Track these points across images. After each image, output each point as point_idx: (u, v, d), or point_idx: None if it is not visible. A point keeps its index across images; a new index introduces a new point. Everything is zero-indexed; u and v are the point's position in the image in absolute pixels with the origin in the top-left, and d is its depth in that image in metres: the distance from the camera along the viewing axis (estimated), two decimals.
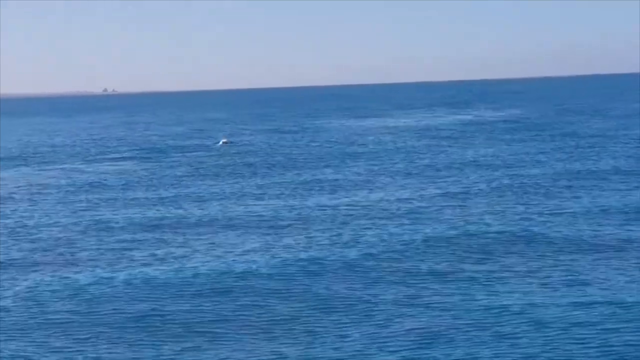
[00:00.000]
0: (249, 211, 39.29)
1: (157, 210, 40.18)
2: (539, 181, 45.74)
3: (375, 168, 56.79)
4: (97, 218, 38.92)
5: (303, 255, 29.15)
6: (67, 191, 49.41)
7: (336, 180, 50.75)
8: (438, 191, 44.39)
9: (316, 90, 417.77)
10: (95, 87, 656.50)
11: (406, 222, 35.25)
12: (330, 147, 73.65)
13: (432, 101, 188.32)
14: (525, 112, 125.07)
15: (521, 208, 36.88)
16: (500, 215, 35.46)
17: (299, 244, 31.49)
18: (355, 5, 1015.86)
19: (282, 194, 45.42)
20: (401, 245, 30.70)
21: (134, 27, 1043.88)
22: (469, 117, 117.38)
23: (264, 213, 38.76)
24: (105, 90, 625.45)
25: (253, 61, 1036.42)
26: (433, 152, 65.83)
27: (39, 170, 61.88)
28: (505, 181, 45.74)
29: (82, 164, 65.72)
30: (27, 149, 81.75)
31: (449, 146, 69.37)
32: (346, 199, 42.35)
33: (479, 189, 44.47)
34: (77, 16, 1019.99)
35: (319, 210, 39.19)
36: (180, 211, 39.72)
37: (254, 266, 27.87)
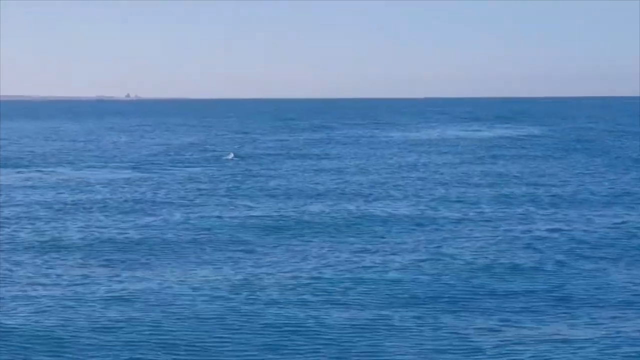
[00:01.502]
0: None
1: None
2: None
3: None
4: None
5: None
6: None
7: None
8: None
9: (342, 102, 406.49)
10: (118, 92, 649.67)
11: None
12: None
13: (481, 116, 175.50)
14: (580, 129, 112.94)
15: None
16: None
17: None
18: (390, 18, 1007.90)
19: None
20: None
21: (159, 33, 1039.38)
22: (521, 132, 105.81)
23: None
24: (128, 95, 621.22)
25: (276, 70, 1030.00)
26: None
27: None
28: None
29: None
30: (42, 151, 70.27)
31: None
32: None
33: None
34: (103, 20, 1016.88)
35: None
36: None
37: None
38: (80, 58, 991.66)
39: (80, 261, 27.30)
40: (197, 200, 41.42)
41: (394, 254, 28.00)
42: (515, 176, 52.52)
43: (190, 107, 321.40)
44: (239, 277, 24.83)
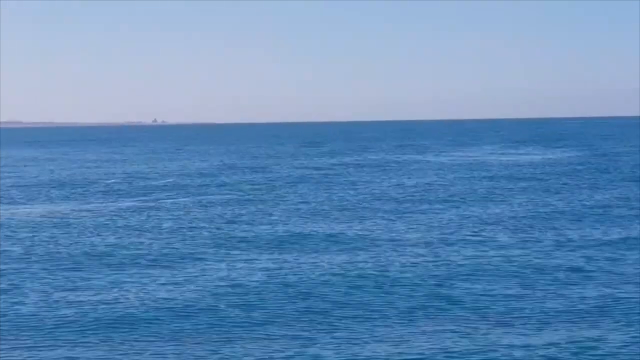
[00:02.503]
0: None
1: None
2: None
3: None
4: None
5: None
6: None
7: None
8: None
9: (373, 125, 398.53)
10: (145, 117, 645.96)
11: None
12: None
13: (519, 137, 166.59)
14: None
15: None
16: None
17: None
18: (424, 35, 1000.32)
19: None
20: None
21: (184, 57, 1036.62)
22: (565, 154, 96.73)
23: None
24: (155, 120, 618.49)
25: (304, 94, 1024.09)
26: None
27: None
28: None
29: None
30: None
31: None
32: None
33: None
34: (129, 45, 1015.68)
35: None
36: None
37: None
38: (108, 84, 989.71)
39: None
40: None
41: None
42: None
43: (216, 131, 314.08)
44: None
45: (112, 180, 67.29)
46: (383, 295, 23.93)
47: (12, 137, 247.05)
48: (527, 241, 33.09)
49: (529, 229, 36.61)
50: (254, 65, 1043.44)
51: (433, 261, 28.83)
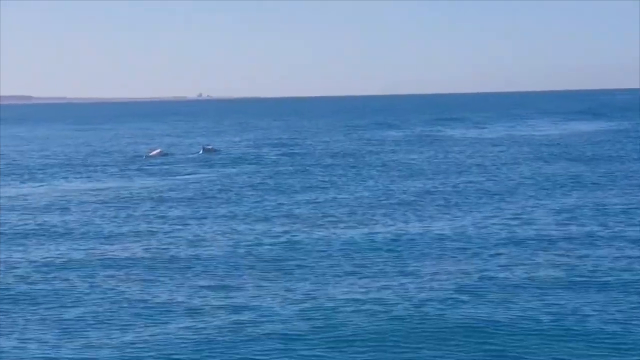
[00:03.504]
0: None
1: None
2: None
3: None
4: None
5: None
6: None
7: None
8: None
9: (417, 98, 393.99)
10: (190, 92, 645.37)
11: None
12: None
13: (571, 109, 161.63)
14: None
15: None
16: None
17: None
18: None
19: None
20: None
21: (230, 31, 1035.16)
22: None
23: None
24: (200, 95, 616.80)
25: (347, 67, 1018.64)
26: None
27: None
28: None
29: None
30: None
31: None
32: None
33: None
34: (175, 20, 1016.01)
35: None
36: None
37: None
38: (156, 59, 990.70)
39: None
40: None
41: None
42: None
43: (260, 105, 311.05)
44: None
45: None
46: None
47: (98, 112, 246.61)
48: None
49: None
50: (300, 39, 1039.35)
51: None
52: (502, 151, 63.89)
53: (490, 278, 21.94)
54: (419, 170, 49.82)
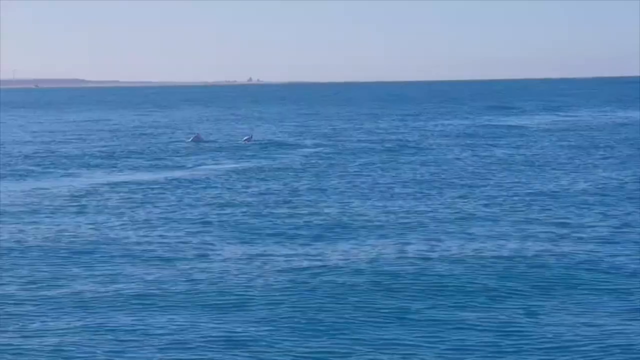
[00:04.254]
0: None
1: None
2: None
3: None
4: None
5: None
6: None
7: None
8: None
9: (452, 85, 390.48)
10: (241, 76, 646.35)
11: None
12: None
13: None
14: None
15: None
16: None
17: None
18: None
19: None
20: None
21: (283, 16, 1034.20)
22: None
23: None
24: (250, 79, 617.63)
25: (389, 52, 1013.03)
26: None
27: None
28: None
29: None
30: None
31: None
32: None
33: None
34: (225, 3, 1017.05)
35: None
36: None
37: None
38: (205, 44, 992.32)
39: None
40: None
41: None
42: None
43: (312, 90, 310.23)
44: None
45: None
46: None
47: (168, 96, 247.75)
48: None
49: None
50: (348, 24, 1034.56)
51: None
52: None
53: None
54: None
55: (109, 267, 23.88)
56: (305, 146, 63.00)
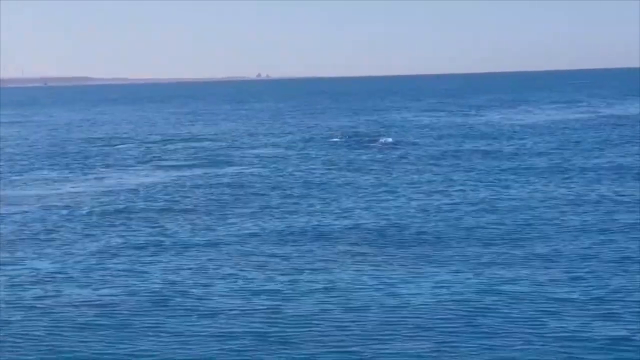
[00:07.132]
0: None
1: None
2: None
3: None
4: None
5: None
6: None
7: None
8: None
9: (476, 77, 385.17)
10: (249, 72, 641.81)
11: None
12: None
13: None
14: None
15: None
16: None
17: None
18: None
19: None
20: None
21: (290, 10, 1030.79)
22: None
23: None
24: (259, 75, 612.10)
25: (405, 46, 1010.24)
26: None
27: None
28: None
29: None
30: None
31: None
32: None
33: None
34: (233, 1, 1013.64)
35: None
36: None
37: None
38: (213, 38, 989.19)
39: None
40: None
41: None
42: None
43: (323, 85, 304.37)
44: None
45: None
46: None
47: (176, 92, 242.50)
48: None
49: None
50: (358, 19, 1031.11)
51: None
52: None
53: None
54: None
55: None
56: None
